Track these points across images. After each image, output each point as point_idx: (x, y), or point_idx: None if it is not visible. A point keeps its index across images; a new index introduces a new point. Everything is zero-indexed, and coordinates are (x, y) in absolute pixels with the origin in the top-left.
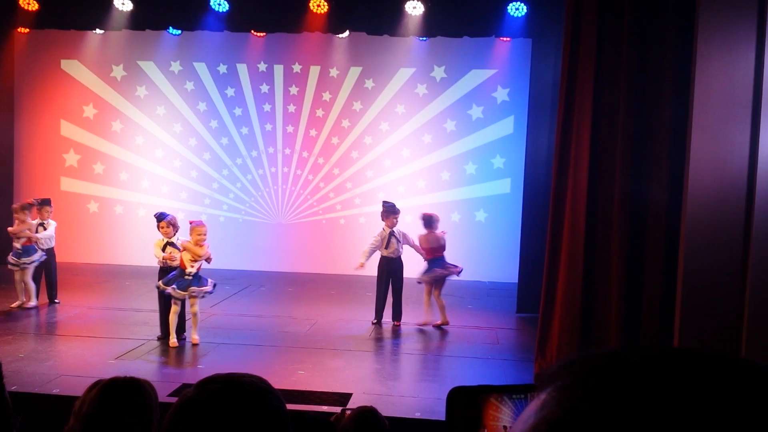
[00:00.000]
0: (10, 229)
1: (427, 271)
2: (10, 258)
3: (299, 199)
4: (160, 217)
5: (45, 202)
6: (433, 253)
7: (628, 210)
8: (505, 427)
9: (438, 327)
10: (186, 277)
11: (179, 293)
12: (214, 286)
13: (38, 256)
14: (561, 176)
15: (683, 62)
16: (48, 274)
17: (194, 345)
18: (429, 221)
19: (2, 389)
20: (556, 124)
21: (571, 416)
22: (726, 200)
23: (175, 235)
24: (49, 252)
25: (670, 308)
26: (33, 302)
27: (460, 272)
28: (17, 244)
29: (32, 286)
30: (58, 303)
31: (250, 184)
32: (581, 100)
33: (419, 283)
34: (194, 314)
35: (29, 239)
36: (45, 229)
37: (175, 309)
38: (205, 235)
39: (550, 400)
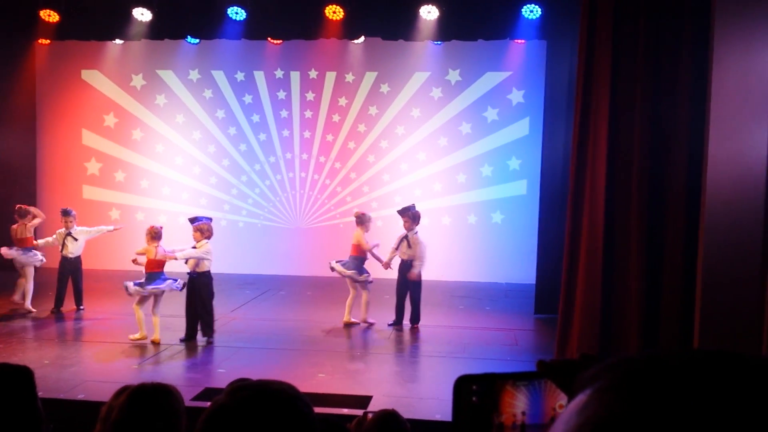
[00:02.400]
0: (40, 241)
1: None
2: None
3: (317, 203)
4: (192, 221)
5: (67, 212)
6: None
7: (646, 210)
8: (523, 413)
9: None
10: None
11: (133, 289)
12: (183, 286)
13: (37, 258)
14: (579, 177)
15: (700, 61)
16: (75, 281)
17: (157, 343)
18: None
19: (35, 398)
20: (573, 125)
21: (616, 418)
22: (745, 198)
23: (203, 239)
24: (77, 259)
25: (690, 307)
26: (27, 305)
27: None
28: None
29: (30, 288)
30: (83, 309)
31: (268, 190)
32: (598, 101)
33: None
34: (153, 313)
35: (27, 240)
36: (75, 239)
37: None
38: (151, 236)
39: (593, 401)
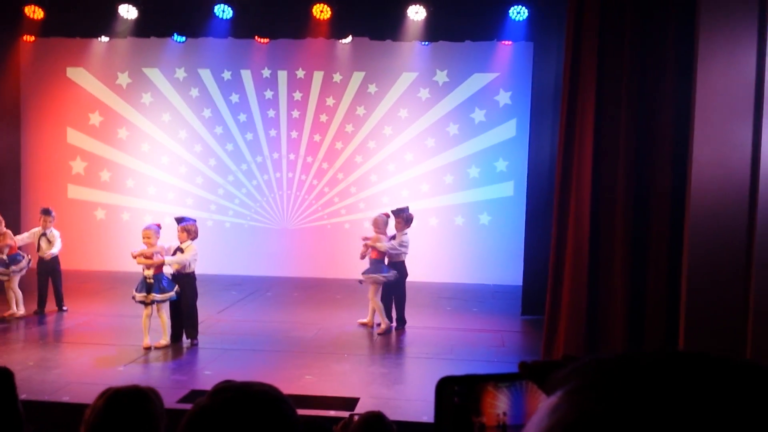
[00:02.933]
0: (17, 237)
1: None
2: None
3: (304, 204)
4: (178, 221)
5: (47, 212)
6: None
7: (631, 211)
8: (504, 413)
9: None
10: (148, 281)
11: (139, 297)
12: (178, 294)
13: (26, 263)
14: (565, 178)
15: (685, 63)
16: (54, 282)
17: (156, 348)
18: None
19: (15, 399)
20: (559, 126)
21: (585, 418)
22: (729, 200)
23: (188, 240)
24: (54, 260)
25: (676, 308)
26: (21, 310)
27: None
28: (2, 255)
29: (20, 294)
30: (66, 310)
31: (255, 190)
32: (584, 103)
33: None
34: (158, 316)
35: (12, 248)
36: (49, 240)
37: (146, 312)
38: (148, 238)
39: (563, 403)
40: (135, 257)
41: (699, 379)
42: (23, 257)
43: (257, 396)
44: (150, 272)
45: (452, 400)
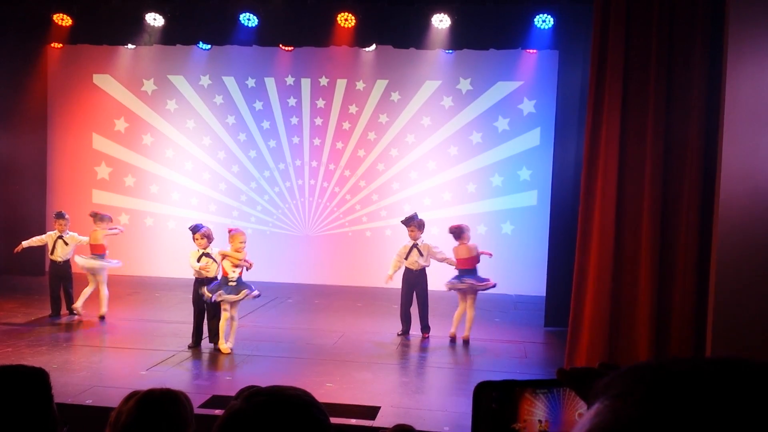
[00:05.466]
0: (25, 243)
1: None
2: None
3: (326, 211)
4: (195, 229)
5: (61, 215)
6: (464, 264)
7: (658, 222)
8: (539, 421)
9: (462, 341)
10: (230, 283)
11: (230, 297)
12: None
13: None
14: (590, 188)
15: (712, 73)
16: (64, 286)
17: (227, 354)
18: (458, 233)
19: (50, 400)
20: (585, 136)
21: (622, 423)
22: (758, 211)
23: (209, 246)
24: (66, 264)
25: (702, 322)
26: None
27: (491, 287)
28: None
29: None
30: (76, 315)
31: (277, 197)
32: (610, 112)
33: (449, 290)
34: (233, 319)
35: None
36: (66, 243)
37: (225, 315)
38: (244, 242)
39: (604, 408)
40: (236, 258)
41: (740, 386)
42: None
43: (290, 400)
44: (235, 275)
45: (490, 406)
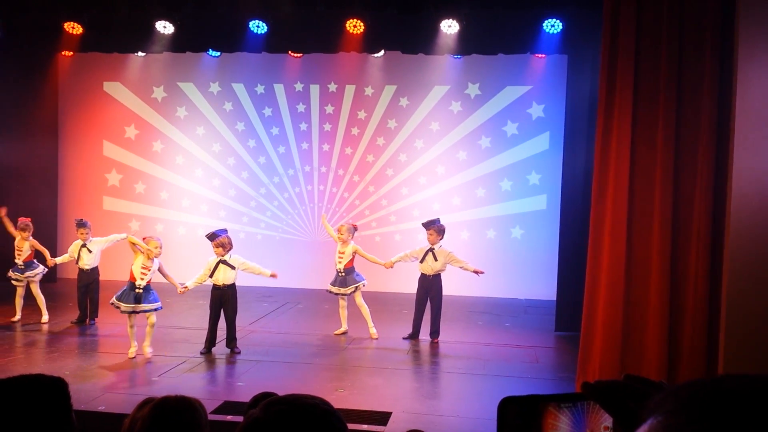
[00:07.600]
0: (58, 259)
1: None
2: (12, 273)
3: (335, 216)
4: (211, 238)
5: (83, 224)
6: None
7: (669, 225)
8: None
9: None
10: (136, 290)
11: (124, 307)
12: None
13: (41, 270)
14: (601, 193)
15: (723, 78)
16: (90, 293)
17: (147, 359)
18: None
19: (70, 409)
20: (595, 140)
21: None
22: None
23: (227, 253)
24: (93, 271)
25: (715, 327)
26: (45, 317)
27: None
28: (19, 260)
29: (42, 298)
30: (94, 324)
31: (287, 203)
32: (620, 116)
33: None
34: (150, 326)
35: (29, 255)
36: (90, 250)
37: (130, 322)
38: (159, 248)
39: (657, 424)
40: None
41: None
42: (38, 265)
43: (309, 409)
44: (143, 282)
45: (515, 422)
